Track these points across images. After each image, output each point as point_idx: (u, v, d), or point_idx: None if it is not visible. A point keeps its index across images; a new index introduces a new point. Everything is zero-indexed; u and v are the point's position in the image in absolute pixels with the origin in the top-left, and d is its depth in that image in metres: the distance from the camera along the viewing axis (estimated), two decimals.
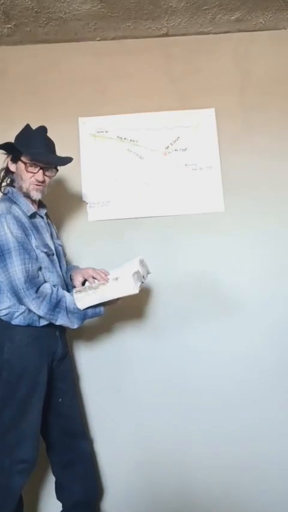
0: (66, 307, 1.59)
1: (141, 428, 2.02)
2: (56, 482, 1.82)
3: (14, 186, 1.71)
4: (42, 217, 1.75)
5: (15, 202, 1.65)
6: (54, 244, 1.76)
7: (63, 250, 1.85)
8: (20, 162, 1.67)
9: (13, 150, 1.68)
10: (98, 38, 2.21)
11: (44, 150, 1.67)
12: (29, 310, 1.59)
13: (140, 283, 1.60)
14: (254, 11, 2.07)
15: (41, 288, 1.56)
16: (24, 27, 2.08)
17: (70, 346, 2.00)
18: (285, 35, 2.23)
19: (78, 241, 2.11)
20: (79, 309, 1.60)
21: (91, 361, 2.06)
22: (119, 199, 2.13)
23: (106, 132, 2.17)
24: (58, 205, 2.07)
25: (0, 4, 1.92)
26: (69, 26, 2.09)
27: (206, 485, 1.99)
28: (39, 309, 1.55)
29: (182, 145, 2.17)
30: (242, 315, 2.08)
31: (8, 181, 1.73)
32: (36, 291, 1.55)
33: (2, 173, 1.74)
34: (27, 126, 1.71)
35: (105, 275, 1.65)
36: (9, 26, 2.06)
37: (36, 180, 1.66)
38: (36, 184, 1.67)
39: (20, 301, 1.56)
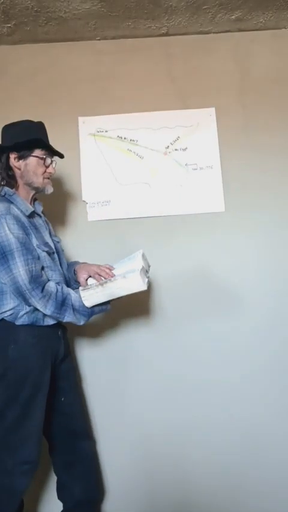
0: (72, 305, 1.59)
1: (144, 428, 2.02)
2: (58, 482, 1.82)
3: (7, 186, 1.67)
4: (40, 215, 1.75)
5: (12, 203, 1.62)
6: (53, 241, 1.76)
7: (60, 246, 1.84)
8: (31, 158, 1.65)
9: (22, 148, 1.65)
10: (98, 37, 2.20)
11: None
12: (34, 309, 1.59)
13: (146, 279, 1.60)
14: (254, 11, 2.07)
15: (46, 287, 1.56)
16: (24, 26, 2.07)
17: (72, 346, 2.00)
18: (286, 35, 2.22)
19: (78, 241, 2.10)
20: (85, 307, 1.60)
21: (94, 361, 2.06)
22: (119, 199, 2.13)
23: (106, 131, 2.17)
24: (58, 205, 2.07)
25: (0, 3, 1.92)
26: (69, 25, 2.09)
27: (208, 487, 1.99)
28: (46, 308, 1.55)
29: (182, 145, 2.16)
30: (243, 314, 2.08)
31: (3, 182, 1.68)
32: (42, 291, 1.54)
33: (2, 172, 1.68)
34: (23, 122, 1.71)
35: (110, 270, 1.65)
36: (9, 25, 2.06)
37: (49, 173, 1.69)
38: (48, 178, 1.70)
39: (26, 301, 1.56)
